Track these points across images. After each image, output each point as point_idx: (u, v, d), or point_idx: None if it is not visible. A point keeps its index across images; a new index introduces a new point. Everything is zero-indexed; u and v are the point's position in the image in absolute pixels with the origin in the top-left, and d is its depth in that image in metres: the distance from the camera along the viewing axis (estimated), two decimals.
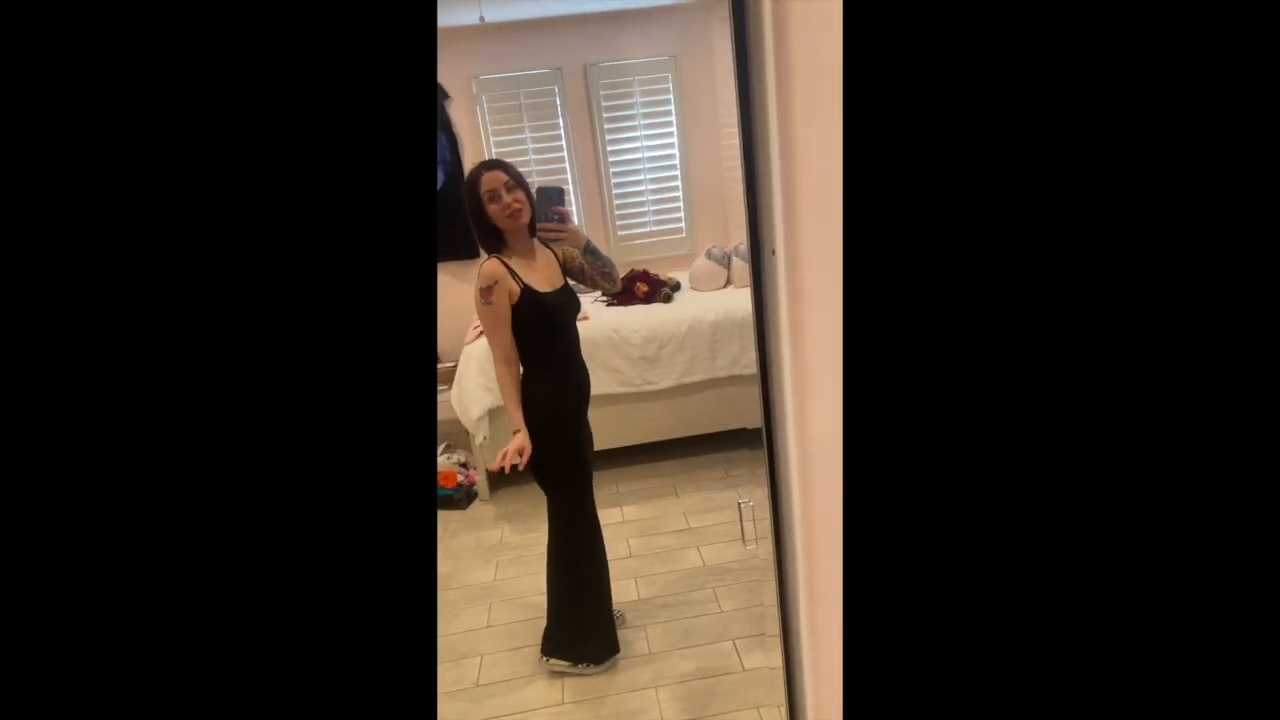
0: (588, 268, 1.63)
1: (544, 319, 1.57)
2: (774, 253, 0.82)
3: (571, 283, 1.67)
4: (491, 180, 1.50)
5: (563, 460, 1.65)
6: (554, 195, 1.54)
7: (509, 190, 1.50)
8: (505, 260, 1.54)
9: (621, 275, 2.85)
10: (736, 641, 1.79)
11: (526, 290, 1.54)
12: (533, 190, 1.57)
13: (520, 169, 1.56)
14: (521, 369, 1.59)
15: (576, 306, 1.66)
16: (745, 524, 1.04)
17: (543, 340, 1.59)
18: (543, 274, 1.60)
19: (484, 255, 1.58)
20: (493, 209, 1.51)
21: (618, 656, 1.76)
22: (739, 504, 1.06)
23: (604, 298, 2.91)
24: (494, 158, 1.64)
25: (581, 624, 1.72)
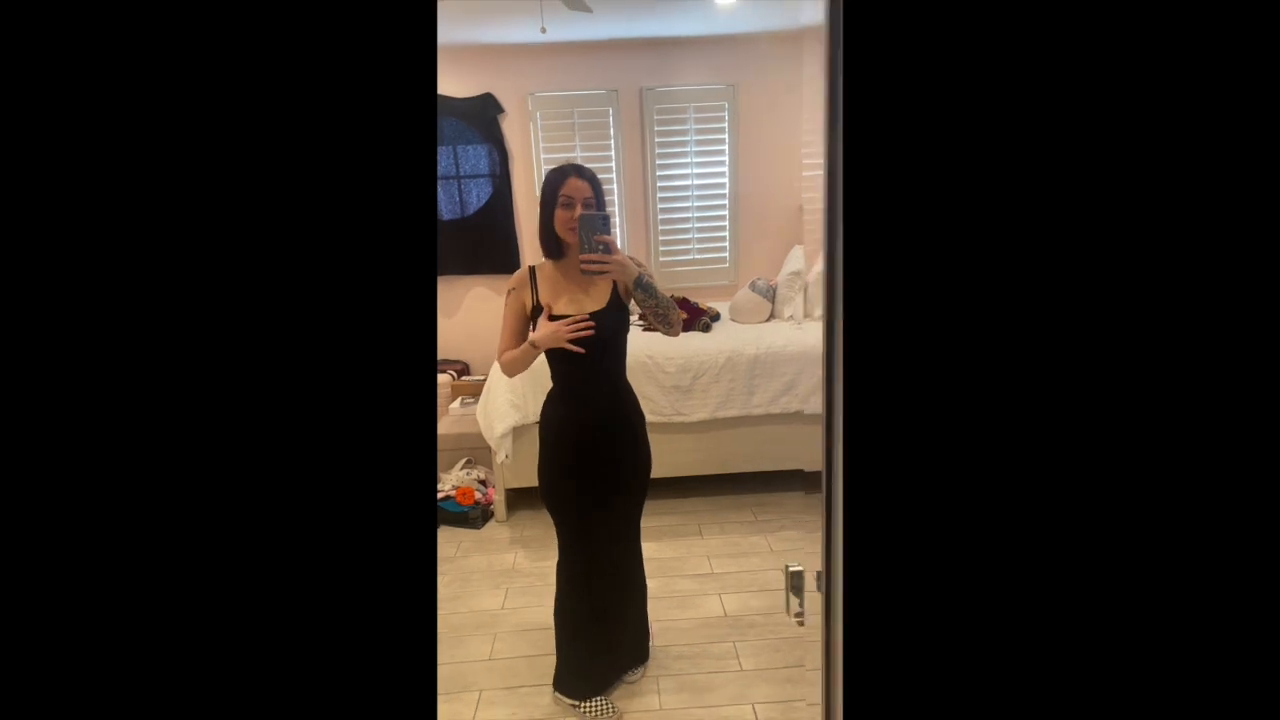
0: (642, 304, 1.46)
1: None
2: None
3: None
4: (574, 189, 1.41)
5: (555, 493, 1.56)
6: (598, 223, 1.38)
7: (585, 206, 1.41)
8: (540, 270, 1.51)
9: None
10: (757, 707, 1.63)
11: (537, 308, 1.49)
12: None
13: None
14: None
15: (603, 338, 1.46)
16: (792, 594, 0.91)
17: (554, 364, 1.51)
18: (579, 296, 1.47)
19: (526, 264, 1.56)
20: (562, 215, 1.42)
21: (601, 700, 1.63)
22: (785, 567, 0.93)
23: (639, 321, 2.83)
24: (584, 165, 1.47)
25: (573, 660, 1.63)
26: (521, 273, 1.52)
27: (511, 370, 1.53)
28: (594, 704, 1.62)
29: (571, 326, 1.42)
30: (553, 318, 1.44)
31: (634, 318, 2.75)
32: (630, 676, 1.74)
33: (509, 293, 1.52)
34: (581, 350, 1.43)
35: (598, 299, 1.48)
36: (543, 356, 1.51)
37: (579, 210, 1.39)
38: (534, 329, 1.48)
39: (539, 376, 2.46)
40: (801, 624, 0.89)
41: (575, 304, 1.48)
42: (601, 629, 1.63)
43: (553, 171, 1.46)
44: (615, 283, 1.47)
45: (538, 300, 1.49)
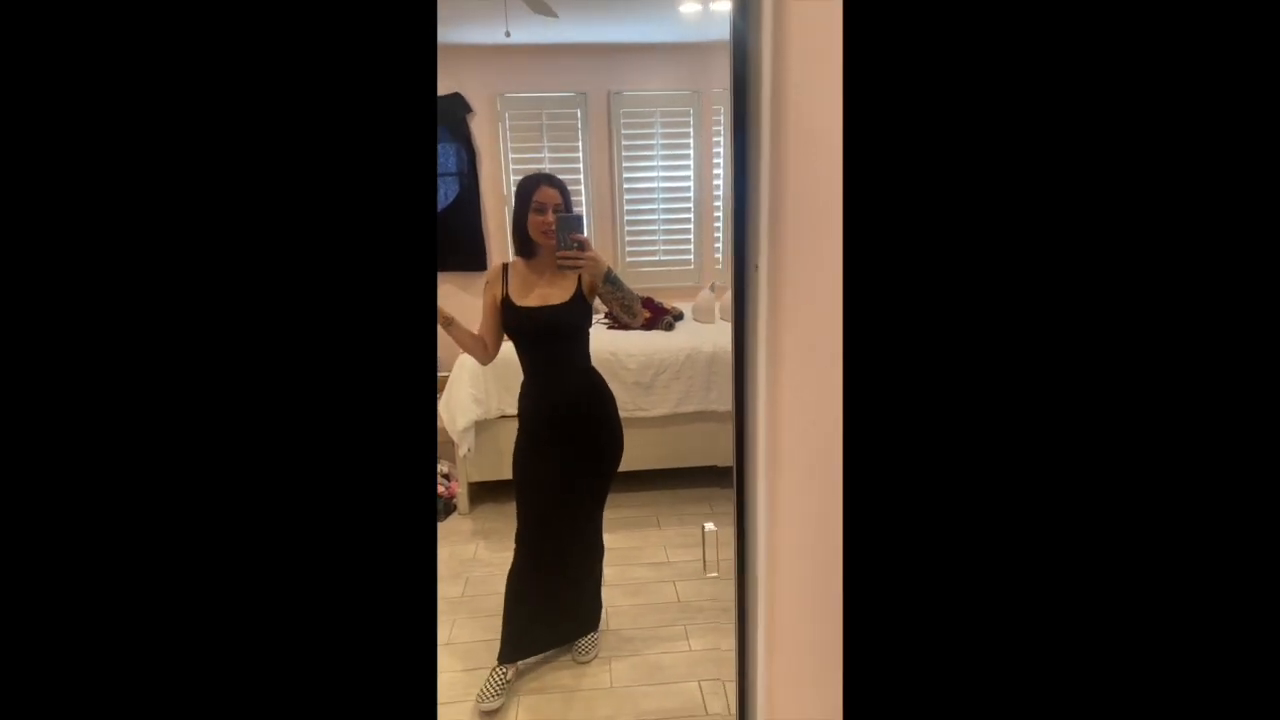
0: (607, 297, 1.62)
1: (517, 330, 1.63)
2: (757, 268, 0.79)
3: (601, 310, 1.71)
4: (545, 196, 1.57)
5: (528, 467, 1.70)
6: (574, 223, 1.55)
7: (556, 211, 1.57)
8: (513, 266, 1.67)
9: None
10: (702, 683, 1.72)
11: (506, 300, 1.63)
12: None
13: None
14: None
15: (567, 329, 1.64)
16: (708, 549, 1.00)
17: (521, 352, 1.67)
18: (547, 290, 1.62)
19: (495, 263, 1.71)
20: (535, 220, 1.58)
21: (506, 669, 1.72)
22: (703, 526, 1.02)
23: (604, 319, 2.90)
24: (553, 175, 1.65)
25: (514, 624, 1.74)
26: (495, 268, 1.69)
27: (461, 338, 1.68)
28: (500, 670, 1.71)
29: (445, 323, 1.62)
30: (521, 309, 1.61)
31: (598, 316, 2.82)
32: (582, 656, 1.82)
33: (485, 285, 1.69)
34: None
35: (564, 292, 1.63)
36: (514, 350, 1.67)
37: (550, 215, 1.55)
38: (503, 318, 1.65)
39: (501, 372, 2.52)
40: (715, 576, 0.98)
41: (542, 297, 1.62)
42: (552, 591, 1.75)
43: (525, 179, 1.63)
44: (580, 279, 1.62)
45: (507, 293, 1.64)
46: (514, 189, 1.66)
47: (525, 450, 1.70)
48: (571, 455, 1.68)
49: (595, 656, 1.84)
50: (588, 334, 1.70)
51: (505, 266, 1.68)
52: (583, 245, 1.54)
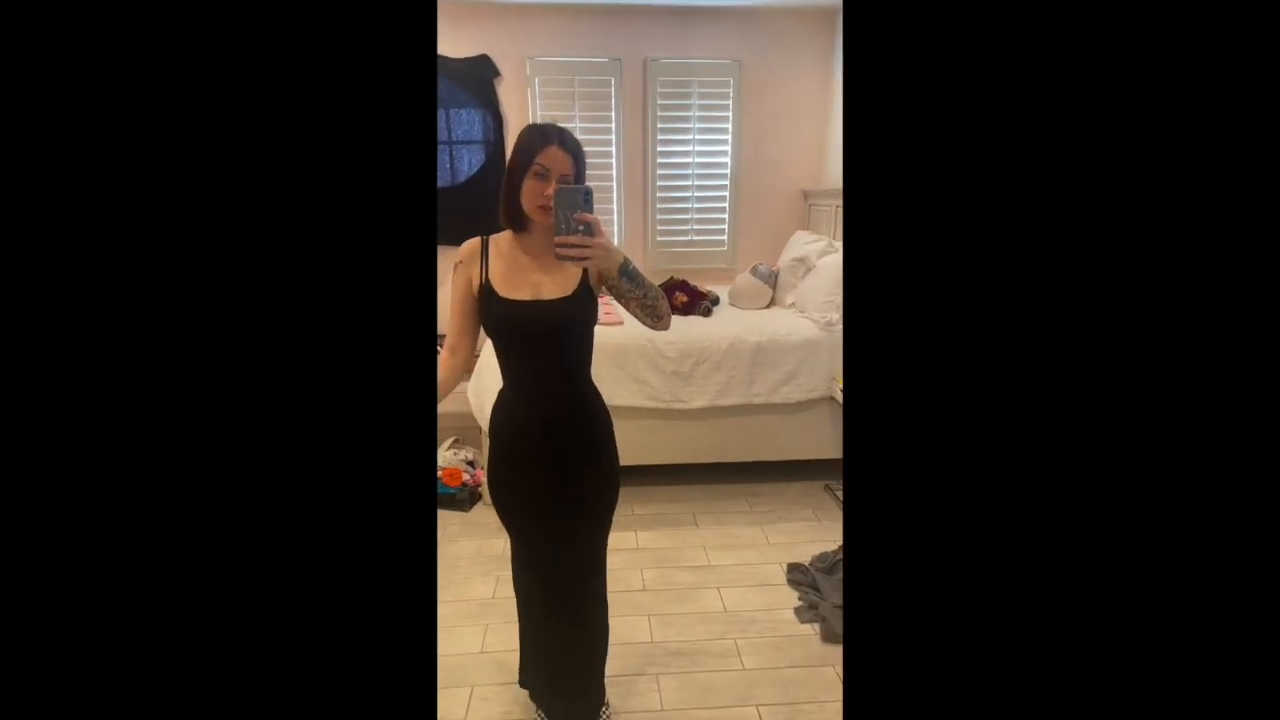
0: (623, 295, 1.20)
1: (498, 329, 1.21)
2: None
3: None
4: (551, 159, 1.14)
5: (506, 511, 1.33)
6: (578, 199, 1.10)
7: (561, 182, 1.14)
8: (496, 242, 1.25)
9: (660, 283, 2.65)
10: (761, 709, 1.59)
11: (486, 288, 1.21)
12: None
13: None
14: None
15: (565, 333, 1.22)
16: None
17: (501, 355, 1.25)
18: (539, 279, 1.21)
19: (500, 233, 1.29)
20: (532, 186, 1.15)
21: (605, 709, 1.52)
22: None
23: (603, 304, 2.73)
24: (568, 132, 1.19)
25: (523, 651, 1.50)
26: (472, 244, 1.24)
27: (442, 390, 1.23)
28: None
29: None
30: (506, 302, 1.19)
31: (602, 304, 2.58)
32: None
33: (455, 266, 1.24)
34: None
35: (563, 284, 1.20)
36: (461, 328, 1.25)
37: (553, 186, 1.13)
38: (483, 311, 1.22)
39: None
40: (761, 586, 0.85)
41: (532, 288, 1.19)
42: (540, 662, 1.44)
43: (531, 131, 1.17)
44: (586, 281, 1.22)
45: (487, 278, 1.21)
46: (514, 140, 1.21)
47: (500, 487, 1.31)
48: (556, 502, 1.28)
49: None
50: (591, 338, 1.27)
51: (485, 242, 1.24)
52: (590, 228, 1.10)
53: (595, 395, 1.31)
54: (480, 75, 3.27)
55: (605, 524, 1.36)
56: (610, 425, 1.33)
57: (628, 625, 1.85)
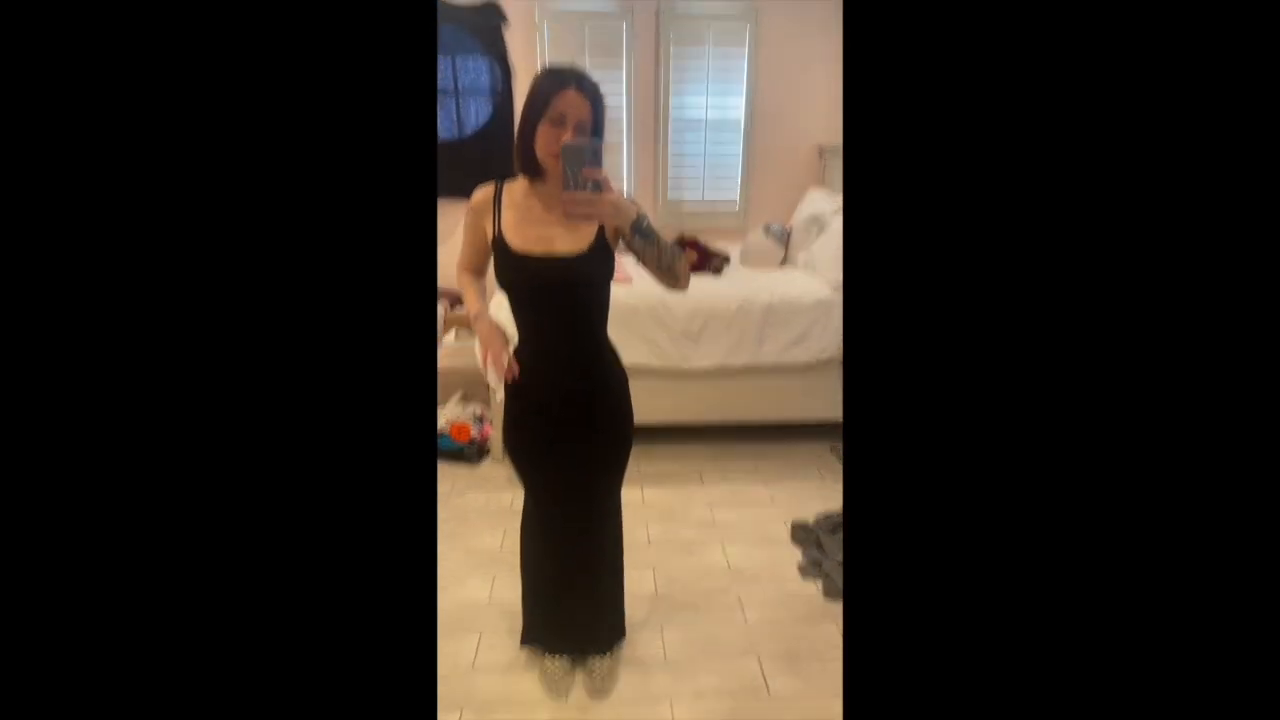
0: (639, 253, 1.15)
1: (510, 282, 1.21)
2: None
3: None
4: (568, 104, 1.09)
5: (522, 461, 1.37)
6: (588, 154, 1.04)
7: (578, 131, 1.10)
8: (510, 190, 1.22)
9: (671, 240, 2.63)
10: (763, 660, 1.62)
11: (499, 241, 1.19)
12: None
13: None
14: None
15: (580, 289, 1.21)
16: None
17: (520, 316, 1.26)
18: (554, 232, 1.18)
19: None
20: (547, 132, 1.11)
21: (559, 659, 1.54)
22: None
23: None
24: (586, 75, 1.13)
25: (523, 604, 1.55)
26: (486, 192, 1.22)
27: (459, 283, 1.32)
28: (551, 663, 1.52)
29: (496, 360, 1.24)
30: (518, 256, 1.17)
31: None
32: (593, 679, 1.52)
33: (468, 213, 1.24)
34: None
35: (578, 240, 1.17)
36: (507, 306, 1.27)
37: (569, 133, 1.09)
38: (497, 265, 1.21)
39: None
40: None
41: (545, 242, 1.17)
42: (555, 594, 1.49)
43: (548, 74, 1.12)
44: (601, 237, 1.19)
45: (500, 229, 1.19)
46: (531, 83, 1.15)
47: (517, 440, 1.34)
48: (572, 453, 1.32)
49: (609, 687, 1.50)
50: (608, 294, 1.26)
51: (499, 189, 1.21)
52: (600, 185, 1.05)
53: (611, 352, 1.31)
54: (487, 22, 3.17)
55: (618, 478, 1.42)
56: (625, 382, 1.35)
57: (633, 578, 1.88)
